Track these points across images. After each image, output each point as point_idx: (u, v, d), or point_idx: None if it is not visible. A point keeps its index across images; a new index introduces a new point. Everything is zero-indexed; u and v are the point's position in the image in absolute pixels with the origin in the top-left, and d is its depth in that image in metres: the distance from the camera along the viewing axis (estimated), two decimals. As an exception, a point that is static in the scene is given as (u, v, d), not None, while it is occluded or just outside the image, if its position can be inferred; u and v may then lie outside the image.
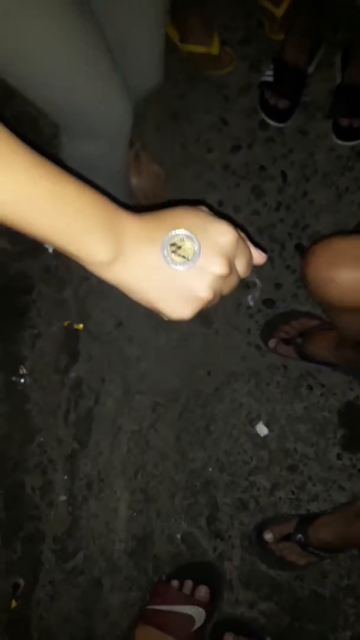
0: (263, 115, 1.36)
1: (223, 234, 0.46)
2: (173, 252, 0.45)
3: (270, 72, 1.37)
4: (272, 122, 1.36)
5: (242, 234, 0.49)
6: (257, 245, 0.52)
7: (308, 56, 1.36)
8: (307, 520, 1.09)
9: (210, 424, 1.21)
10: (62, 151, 0.98)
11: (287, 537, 1.09)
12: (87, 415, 1.22)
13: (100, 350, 1.26)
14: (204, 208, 0.49)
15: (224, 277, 0.47)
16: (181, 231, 0.45)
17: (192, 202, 0.49)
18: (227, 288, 0.49)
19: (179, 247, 0.45)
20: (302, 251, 1.30)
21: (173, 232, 0.45)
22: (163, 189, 1.33)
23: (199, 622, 1.05)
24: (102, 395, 1.23)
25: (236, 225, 0.48)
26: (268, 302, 1.27)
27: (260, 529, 1.12)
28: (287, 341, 1.19)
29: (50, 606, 1.13)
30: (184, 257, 0.45)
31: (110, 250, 0.44)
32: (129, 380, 1.24)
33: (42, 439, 1.21)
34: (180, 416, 1.22)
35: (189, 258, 0.45)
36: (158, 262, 0.45)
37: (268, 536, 1.10)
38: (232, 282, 0.49)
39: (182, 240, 0.45)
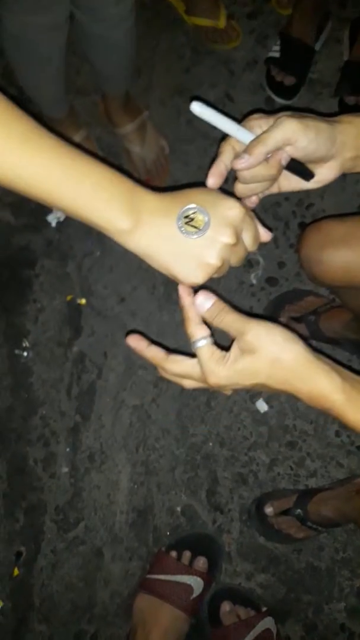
0: (269, 92, 1.35)
1: (231, 208, 0.52)
2: (186, 223, 0.51)
3: (277, 48, 1.36)
4: (278, 99, 1.35)
5: (250, 211, 0.55)
6: (263, 224, 0.58)
7: (315, 32, 1.35)
8: (306, 496, 1.11)
9: (211, 400, 1.22)
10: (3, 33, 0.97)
11: (286, 512, 1.11)
12: (89, 389, 1.23)
13: (103, 325, 1.26)
14: (217, 189, 0.56)
15: (232, 247, 0.53)
16: (193, 205, 0.51)
17: (205, 185, 0.56)
18: (235, 258, 0.55)
19: (192, 219, 0.51)
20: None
21: (187, 206, 0.51)
22: (166, 162, 1.33)
23: (197, 591, 1.08)
24: (104, 369, 1.24)
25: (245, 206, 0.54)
26: (271, 281, 1.28)
27: (260, 502, 1.14)
28: (297, 319, 1.19)
29: (52, 574, 1.16)
30: (196, 227, 0.51)
31: (129, 220, 0.50)
32: (131, 356, 1.25)
33: (44, 412, 1.22)
34: (182, 391, 1.23)
35: (201, 228, 0.51)
36: (173, 232, 0.51)
37: (268, 510, 1.12)
38: (240, 252, 0.55)
39: (194, 212, 0.51)
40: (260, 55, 1.39)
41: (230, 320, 0.54)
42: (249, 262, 1.29)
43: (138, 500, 1.19)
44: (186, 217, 0.51)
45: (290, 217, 1.31)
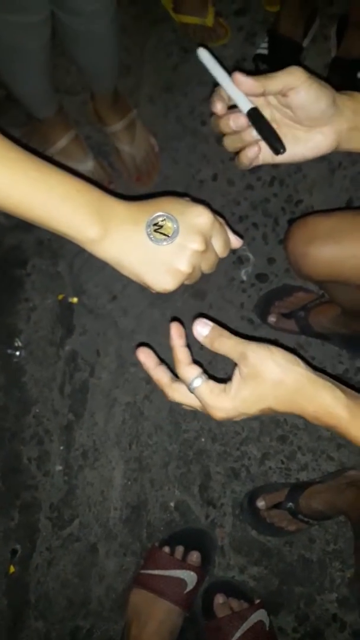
0: (257, 89, 1.36)
1: (199, 215, 0.53)
2: (155, 230, 0.51)
3: (265, 45, 1.36)
4: (266, 96, 1.35)
5: (219, 218, 0.56)
6: (234, 231, 0.58)
7: (303, 29, 1.35)
8: (297, 489, 1.12)
9: (203, 396, 1.23)
10: None
11: (277, 505, 1.12)
12: (82, 387, 1.24)
13: (94, 323, 1.27)
14: (187, 197, 0.56)
15: (202, 253, 0.53)
16: (162, 213, 0.52)
17: (177, 194, 0.57)
18: (206, 264, 0.55)
19: (161, 227, 0.52)
20: (295, 226, 1.31)
21: (156, 214, 0.52)
22: (156, 160, 1.33)
23: (190, 585, 1.09)
24: (97, 367, 1.25)
25: (214, 211, 0.55)
26: (261, 277, 1.29)
27: (252, 496, 1.16)
28: (287, 315, 1.21)
29: (48, 571, 1.17)
30: (165, 235, 0.52)
31: (97, 228, 0.51)
32: (123, 353, 1.26)
33: (38, 411, 1.23)
34: (174, 388, 1.24)
35: (170, 235, 0.51)
36: (142, 239, 0.52)
37: (260, 504, 1.14)
38: (211, 259, 0.56)
39: (163, 220, 0.52)
40: (249, 53, 1.39)
41: (230, 345, 0.54)
42: (239, 259, 1.30)
43: (132, 496, 1.20)
44: (155, 224, 0.51)
45: (280, 214, 1.32)
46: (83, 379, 1.25)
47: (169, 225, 0.52)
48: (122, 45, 1.39)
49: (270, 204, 1.32)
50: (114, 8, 1.00)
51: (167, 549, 1.12)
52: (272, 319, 1.22)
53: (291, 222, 1.31)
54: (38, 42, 0.99)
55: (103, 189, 0.52)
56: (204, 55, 0.57)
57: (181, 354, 0.56)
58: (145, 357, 0.59)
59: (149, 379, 1.23)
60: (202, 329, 0.55)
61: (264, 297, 1.25)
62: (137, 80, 1.40)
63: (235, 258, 1.29)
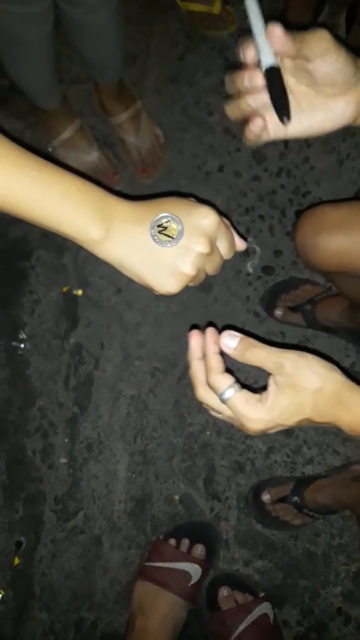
0: (265, 78, 1.34)
1: (205, 217, 0.51)
2: (159, 232, 0.50)
3: (272, 33, 1.34)
4: (273, 85, 1.33)
5: (225, 220, 0.54)
6: (239, 233, 0.57)
7: (312, 16, 1.33)
8: (302, 483, 1.12)
9: (208, 390, 1.23)
10: None
11: (283, 499, 1.12)
12: (87, 380, 1.24)
13: (99, 316, 1.27)
14: (192, 199, 0.54)
15: (206, 256, 0.52)
16: (166, 214, 0.50)
17: (182, 195, 0.55)
18: (210, 266, 0.54)
19: (165, 228, 0.50)
20: (302, 218, 1.30)
21: (160, 215, 0.50)
22: (162, 152, 1.32)
23: (195, 578, 1.09)
24: (101, 360, 1.25)
25: (221, 213, 0.53)
26: (267, 270, 1.27)
27: (257, 490, 1.15)
28: (294, 309, 1.19)
29: (52, 563, 1.17)
30: (169, 236, 0.50)
31: (99, 229, 0.49)
32: (128, 347, 1.25)
33: (42, 403, 1.23)
34: (179, 381, 1.24)
35: (174, 237, 0.50)
36: (146, 240, 0.50)
37: (265, 497, 1.13)
38: (216, 261, 0.54)
39: (168, 221, 0.50)
40: (256, 41, 1.37)
41: (264, 355, 0.52)
42: (245, 251, 1.28)
43: (136, 489, 1.20)
44: (159, 225, 0.50)
45: (287, 205, 1.30)
46: (88, 371, 1.24)
47: (173, 226, 0.50)
48: (128, 34, 1.37)
49: (277, 195, 1.31)
50: (115, 1, 0.99)
51: (172, 541, 1.12)
52: (278, 312, 1.21)
53: (298, 213, 1.30)
54: (39, 32, 0.98)
55: (105, 188, 0.51)
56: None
57: (214, 361, 0.54)
58: (195, 343, 0.56)
59: (153, 372, 1.23)
60: (231, 341, 0.53)
61: (270, 290, 1.24)
62: (143, 70, 1.38)
63: (241, 250, 1.28)
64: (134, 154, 1.29)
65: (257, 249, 1.28)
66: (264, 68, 0.50)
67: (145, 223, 0.50)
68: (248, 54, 0.51)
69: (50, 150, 1.29)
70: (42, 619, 1.16)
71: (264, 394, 0.52)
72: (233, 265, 1.27)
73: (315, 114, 0.53)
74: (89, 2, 0.95)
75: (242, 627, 1.06)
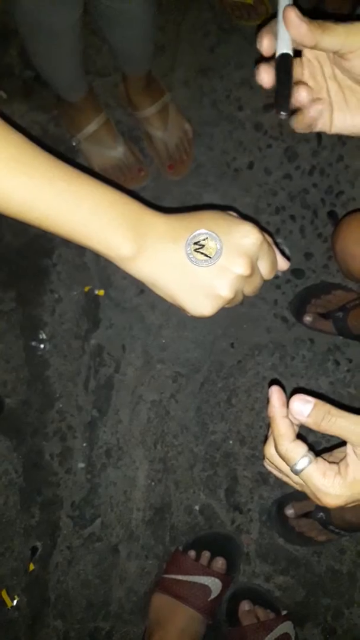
0: (299, 72, 1.28)
1: (246, 236, 0.47)
2: (196, 250, 0.46)
3: (308, 23, 1.27)
4: (308, 79, 1.27)
5: (268, 238, 0.49)
6: (282, 252, 0.52)
7: (351, 4, 1.26)
8: None
9: (231, 397, 1.18)
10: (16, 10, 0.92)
11: (307, 514, 1.07)
12: (107, 383, 1.20)
13: (121, 317, 1.23)
14: (233, 213, 0.50)
15: (246, 277, 0.48)
16: (204, 231, 0.46)
17: (222, 207, 0.50)
18: (249, 288, 0.50)
19: (202, 246, 0.46)
20: (335, 219, 1.24)
21: (197, 232, 0.46)
22: (190, 147, 1.27)
23: (215, 593, 1.06)
24: (122, 363, 1.21)
25: (263, 229, 0.49)
26: (297, 273, 1.22)
27: (281, 503, 1.11)
28: (324, 315, 1.14)
29: (68, 570, 1.14)
30: (206, 255, 0.46)
31: (131, 245, 0.46)
32: (150, 349, 1.21)
33: (61, 406, 1.20)
34: (202, 387, 1.19)
35: (211, 256, 0.46)
36: (181, 259, 0.47)
37: (289, 512, 1.09)
38: (255, 283, 0.50)
39: (205, 239, 0.46)
40: (291, 32, 1.31)
41: (344, 425, 0.46)
42: (274, 253, 1.23)
43: (155, 497, 1.16)
44: (196, 243, 0.46)
45: (319, 205, 1.25)
46: (108, 374, 1.21)
47: (211, 245, 0.46)
48: (157, 23, 1.32)
49: (310, 195, 1.25)
50: None
51: (192, 554, 1.09)
52: (307, 318, 1.15)
53: (331, 214, 1.24)
54: (69, 20, 0.93)
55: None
56: None
57: (284, 427, 0.48)
58: (278, 398, 0.50)
59: (175, 377, 1.19)
60: (303, 408, 0.47)
61: (299, 295, 1.19)
62: (172, 61, 1.32)
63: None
64: (161, 149, 1.25)
65: (287, 251, 1.23)
66: (277, 54, 0.46)
67: (181, 240, 0.47)
68: (263, 43, 0.46)
69: (74, 144, 1.25)
70: (56, 627, 1.13)
71: (342, 464, 0.47)
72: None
73: None
74: None
75: (262, 645, 1.02)
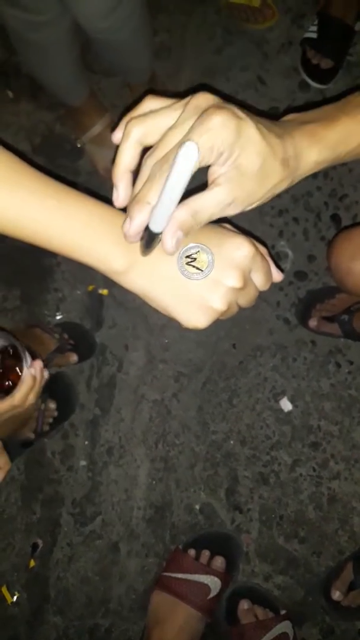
0: (304, 75, 1.28)
1: (238, 248, 0.47)
2: (188, 263, 0.46)
3: (313, 28, 1.28)
4: (313, 83, 1.28)
5: (262, 249, 0.50)
6: (275, 263, 0.52)
7: (356, 10, 1.27)
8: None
9: (233, 397, 1.19)
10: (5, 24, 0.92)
11: (352, 586, 1.06)
12: (109, 382, 1.21)
13: (124, 317, 1.23)
14: (227, 225, 0.50)
15: (238, 290, 0.48)
16: (196, 244, 0.46)
17: (215, 221, 0.47)
18: (244, 300, 0.50)
19: (194, 259, 0.47)
20: (338, 222, 1.24)
21: (189, 245, 0.46)
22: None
23: (214, 591, 1.06)
24: (125, 362, 1.22)
25: (257, 240, 0.49)
26: (300, 275, 1.23)
27: (325, 591, 1.08)
28: (329, 318, 1.15)
29: (68, 567, 1.15)
30: (198, 268, 0.47)
31: (123, 260, 0.46)
32: (152, 349, 1.22)
33: (63, 404, 1.20)
34: (203, 387, 1.20)
35: (203, 269, 0.46)
36: (173, 272, 0.47)
37: (336, 595, 1.06)
38: (250, 294, 0.50)
39: (197, 252, 0.46)
40: (296, 36, 1.31)
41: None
42: (277, 255, 1.24)
43: (156, 496, 1.17)
44: (188, 256, 0.46)
45: (322, 208, 1.25)
46: (111, 373, 1.22)
47: (203, 257, 0.46)
48: (163, 26, 1.33)
49: (313, 197, 1.26)
50: (137, 17, 0.92)
51: (192, 552, 1.09)
52: (313, 322, 1.16)
53: (335, 218, 1.25)
54: (53, 36, 0.93)
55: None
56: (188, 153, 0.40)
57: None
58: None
59: (177, 377, 1.20)
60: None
61: (303, 300, 1.19)
62: (178, 63, 1.33)
63: (273, 254, 1.23)
64: None
65: (290, 253, 1.24)
66: (151, 230, 0.43)
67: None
68: (116, 136, 0.46)
69: (79, 146, 1.25)
70: (56, 623, 1.14)
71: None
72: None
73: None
74: (106, 28, 0.89)
75: (260, 644, 1.03)
